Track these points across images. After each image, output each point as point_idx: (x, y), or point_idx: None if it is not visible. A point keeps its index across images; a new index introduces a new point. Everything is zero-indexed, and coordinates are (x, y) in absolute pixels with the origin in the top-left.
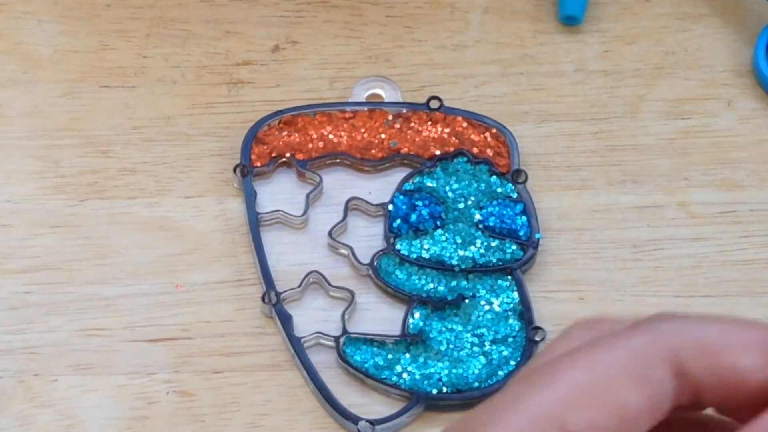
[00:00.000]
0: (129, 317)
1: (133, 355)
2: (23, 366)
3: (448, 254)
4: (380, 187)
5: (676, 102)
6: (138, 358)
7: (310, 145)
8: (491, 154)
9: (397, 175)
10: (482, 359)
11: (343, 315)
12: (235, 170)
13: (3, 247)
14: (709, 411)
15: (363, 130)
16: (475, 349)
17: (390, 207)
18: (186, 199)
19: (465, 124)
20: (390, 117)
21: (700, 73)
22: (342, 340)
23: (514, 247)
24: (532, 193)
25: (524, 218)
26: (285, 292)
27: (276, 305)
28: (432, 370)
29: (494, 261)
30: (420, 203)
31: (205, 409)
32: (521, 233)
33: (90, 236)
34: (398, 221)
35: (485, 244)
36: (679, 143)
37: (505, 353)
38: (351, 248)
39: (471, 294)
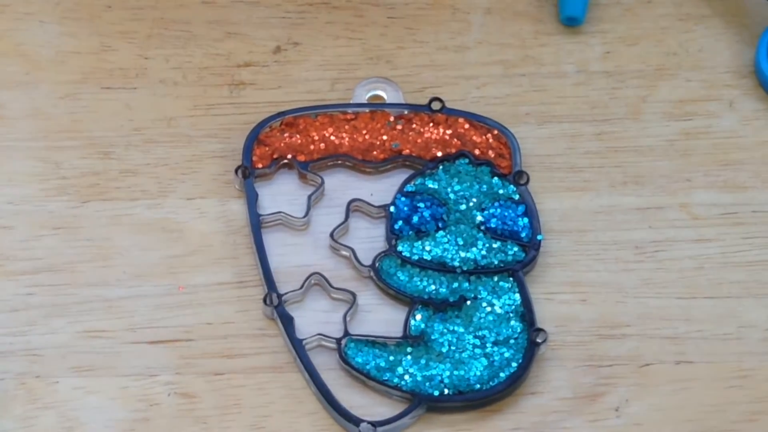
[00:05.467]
0: (131, 319)
1: (135, 357)
2: (25, 368)
3: (449, 256)
4: (382, 189)
5: (678, 103)
6: (140, 359)
7: (312, 147)
8: (493, 155)
9: (399, 177)
10: (484, 361)
11: (344, 317)
12: (236, 172)
13: (4, 249)
14: None
15: (365, 132)
16: (477, 350)
17: (392, 208)
18: (187, 200)
19: (467, 126)
20: (392, 118)
21: (701, 75)
22: (344, 341)
23: (515, 248)
24: (533, 195)
25: (526, 220)
26: (286, 293)
27: (277, 307)
28: (434, 372)
29: (496, 262)
30: (422, 205)
31: (207, 411)
32: (523, 235)
33: (91, 238)
34: (400, 223)
35: (487, 245)
36: (681, 144)
37: (506, 355)
38: (352, 250)
39: (472, 296)
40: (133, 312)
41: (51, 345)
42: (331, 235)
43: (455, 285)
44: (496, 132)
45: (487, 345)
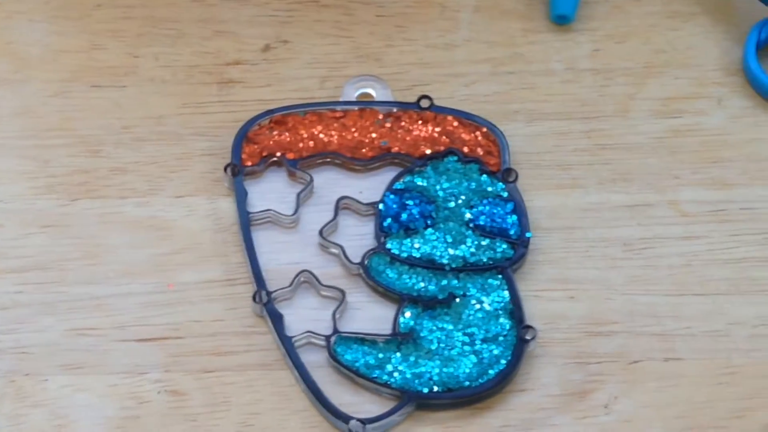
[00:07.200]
0: (120, 317)
1: (124, 355)
2: (14, 366)
3: (438, 253)
4: (371, 186)
5: (667, 101)
6: (129, 357)
7: (301, 145)
8: (482, 153)
9: (388, 174)
10: (473, 358)
11: (333, 314)
12: (225, 170)
13: None
14: None
15: (353, 130)
16: (466, 348)
17: (380, 206)
18: (177, 198)
19: (455, 123)
20: (380, 116)
21: (690, 72)
22: (333, 339)
23: (504, 246)
24: (522, 192)
25: (515, 217)
26: (276, 291)
27: (267, 304)
28: (423, 369)
29: (485, 260)
30: (410, 202)
31: (196, 408)
32: (512, 232)
33: (81, 236)
34: (389, 220)
35: (476, 243)
36: (670, 142)
37: (495, 352)
38: (342, 247)
39: (461, 293)
40: (122, 310)
41: (40, 343)
42: (320, 232)
43: (444, 282)
44: (484, 130)
45: (476, 342)
